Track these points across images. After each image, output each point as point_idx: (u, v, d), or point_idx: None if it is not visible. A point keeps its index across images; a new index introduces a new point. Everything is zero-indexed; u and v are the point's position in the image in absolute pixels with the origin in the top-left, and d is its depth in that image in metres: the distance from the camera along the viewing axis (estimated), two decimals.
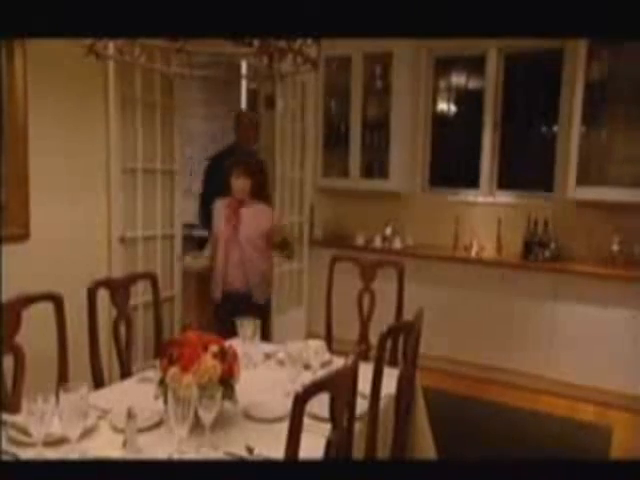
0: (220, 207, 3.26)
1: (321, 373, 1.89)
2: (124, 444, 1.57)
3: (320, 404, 1.39)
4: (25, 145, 2.82)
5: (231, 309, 2.93)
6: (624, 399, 3.77)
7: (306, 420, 1.32)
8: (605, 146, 3.99)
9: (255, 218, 3.18)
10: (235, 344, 1.99)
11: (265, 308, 3.29)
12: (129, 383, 2.11)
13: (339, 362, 2.16)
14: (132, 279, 2.48)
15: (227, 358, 1.76)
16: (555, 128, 4.41)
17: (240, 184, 3.16)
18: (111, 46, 2.03)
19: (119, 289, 2.35)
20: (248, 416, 1.82)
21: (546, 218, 4.21)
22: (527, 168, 4.61)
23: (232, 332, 2.29)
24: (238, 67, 3.77)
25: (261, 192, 3.27)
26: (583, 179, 4.00)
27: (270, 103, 4.24)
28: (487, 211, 4.58)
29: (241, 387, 1.81)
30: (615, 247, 3.99)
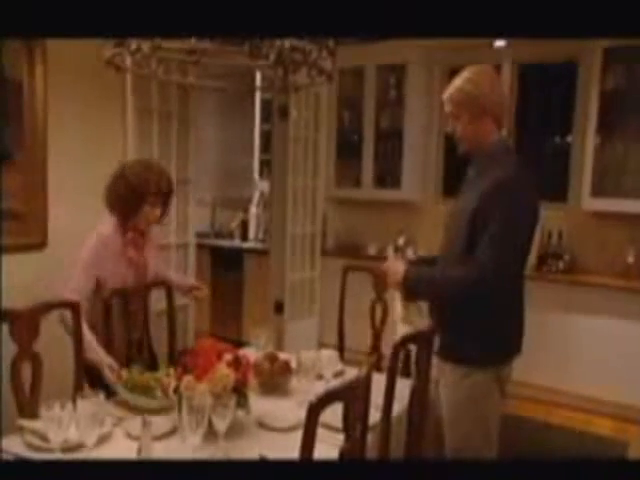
0: (115, 243, 2.33)
1: (334, 383, 1.89)
2: (139, 451, 1.59)
3: (333, 414, 1.40)
4: (44, 154, 2.86)
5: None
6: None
7: (319, 429, 1.32)
8: (620, 157, 3.96)
9: (155, 253, 2.57)
10: (249, 353, 2.00)
11: None
12: None
13: (352, 372, 2.16)
14: (147, 287, 2.50)
15: (241, 367, 1.77)
16: (569, 138, 4.39)
17: (155, 215, 2.37)
18: (129, 59, 2.07)
19: (134, 298, 2.38)
20: (261, 425, 1.82)
21: (560, 229, 4.19)
22: (541, 179, 4.59)
23: None
24: (253, 78, 3.81)
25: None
26: (598, 190, 3.98)
27: (284, 113, 4.26)
28: None
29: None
30: (630, 259, 3.96)
